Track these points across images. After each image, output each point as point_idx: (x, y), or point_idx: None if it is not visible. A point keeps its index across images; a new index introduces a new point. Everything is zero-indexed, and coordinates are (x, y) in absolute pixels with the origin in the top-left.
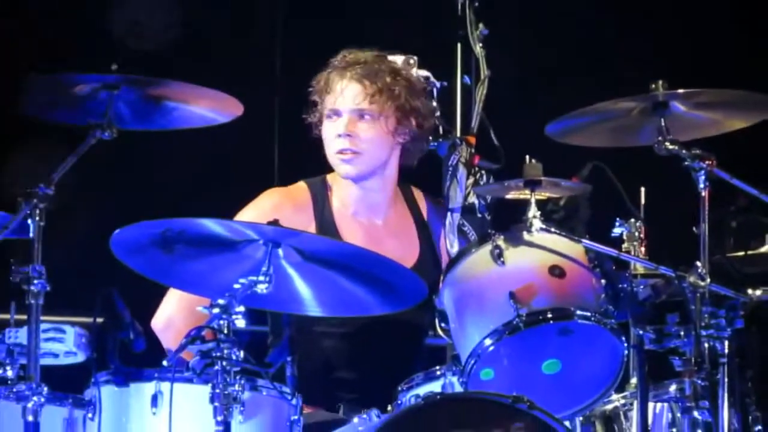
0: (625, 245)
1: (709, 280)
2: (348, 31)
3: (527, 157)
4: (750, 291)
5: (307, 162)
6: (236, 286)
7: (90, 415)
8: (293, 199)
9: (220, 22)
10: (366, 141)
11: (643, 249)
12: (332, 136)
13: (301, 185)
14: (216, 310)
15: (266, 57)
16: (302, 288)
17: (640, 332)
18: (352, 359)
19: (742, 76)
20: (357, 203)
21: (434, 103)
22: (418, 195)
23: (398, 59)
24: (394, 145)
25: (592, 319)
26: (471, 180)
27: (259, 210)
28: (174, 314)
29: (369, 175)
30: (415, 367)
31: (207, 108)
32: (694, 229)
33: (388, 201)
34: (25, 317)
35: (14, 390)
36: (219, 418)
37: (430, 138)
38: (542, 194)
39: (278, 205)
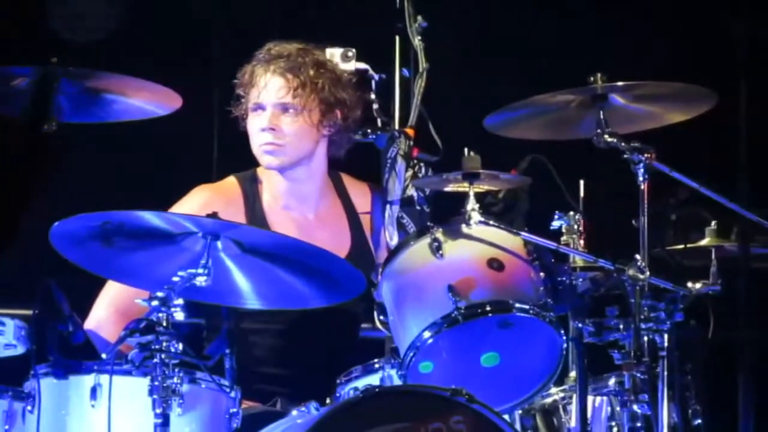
0: (564, 238)
1: (648, 273)
2: (285, 22)
3: (466, 149)
4: (690, 284)
5: (245, 153)
6: (175, 278)
7: (29, 407)
8: (223, 194)
9: (159, 14)
10: (290, 134)
11: (582, 242)
12: (256, 129)
13: (231, 180)
14: (155, 303)
15: (204, 49)
16: (241, 281)
17: (580, 325)
18: (286, 355)
19: (682, 68)
20: (287, 196)
21: (372, 96)
22: (350, 183)
23: (336, 51)
24: (319, 137)
25: (531, 312)
26: (410, 172)
27: (189, 207)
28: (103, 319)
29: (294, 165)
30: (350, 360)
31: (146, 100)
32: (633, 222)
33: (318, 192)
34: None
35: None
36: (158, 411)
37: (369, 130)
38: (481, 187)
39: (209, 202)
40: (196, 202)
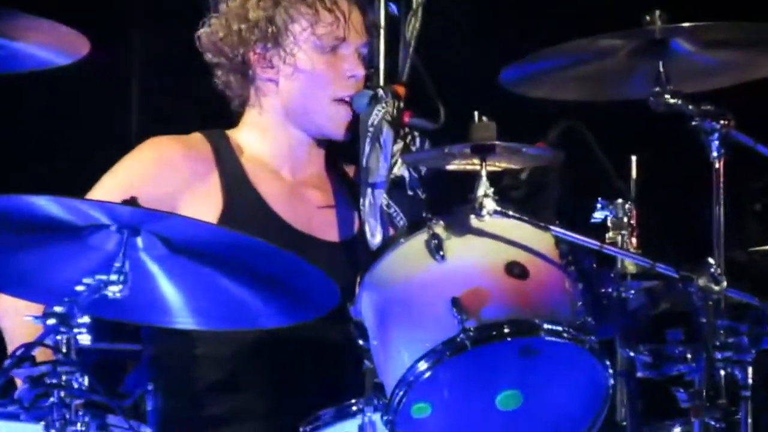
0: (609, 234)
1: (725, 283)
2: None
3: (476, 113)
4: None
5: (178, 115)
6: (79, 288)
7: None
8: (187, 144)
9: None
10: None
11: (634, 240)
12: (336, 76)
13: (195, 135)
14: (52, 321)
15: None
16: (168, 291)
17: (631, 354)
18: (238, 391)
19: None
20: (280, 155)
21: None
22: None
23: None
24: None
25: (565, 335)
26: (399, 145)
27: (140, 161)
28: None
29: None
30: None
31: (41, 44)
32: (704, 212)
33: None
34: None
35: None
36: None
37: None
38: (496, 164)
39: (167, 153)
40: (149, 156)
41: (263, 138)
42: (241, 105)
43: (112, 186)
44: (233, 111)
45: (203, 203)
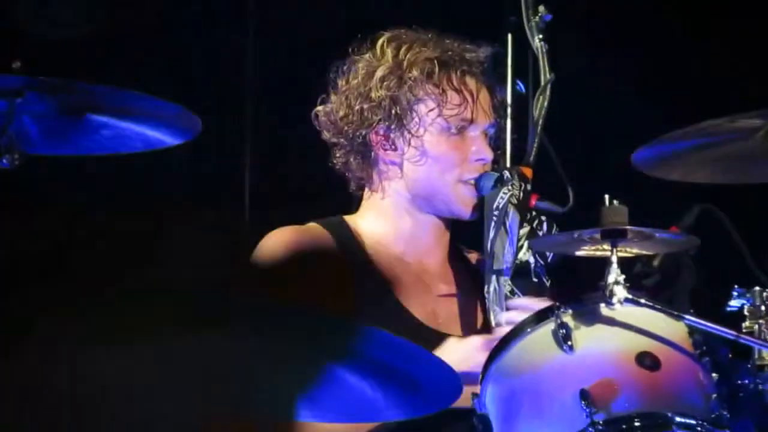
0: (746, 324)
1: None
2: (339, 15)
3: (606, 197)
4: None
5: (293, 193)
6: None
7: None
8: (309, 234)
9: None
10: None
11: None
12: (463, 159)
13: (312, 225)
14: None
15: (233, 48)
16: None
17: None
18: None
19: None
20: (404, 240)
21: None
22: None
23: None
24: None
25: (699, 429)
26: (526, 229)
27: (271, 258)
28: None
29: None
30: None
31: (150, 124)
32: None
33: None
34: None
35: None
36: None
37: None
38: (628, 250)
39: (293, 243)
40: (277, 247)
41: (386, 223)
42: (359, 188)
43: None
44: (352, 195)
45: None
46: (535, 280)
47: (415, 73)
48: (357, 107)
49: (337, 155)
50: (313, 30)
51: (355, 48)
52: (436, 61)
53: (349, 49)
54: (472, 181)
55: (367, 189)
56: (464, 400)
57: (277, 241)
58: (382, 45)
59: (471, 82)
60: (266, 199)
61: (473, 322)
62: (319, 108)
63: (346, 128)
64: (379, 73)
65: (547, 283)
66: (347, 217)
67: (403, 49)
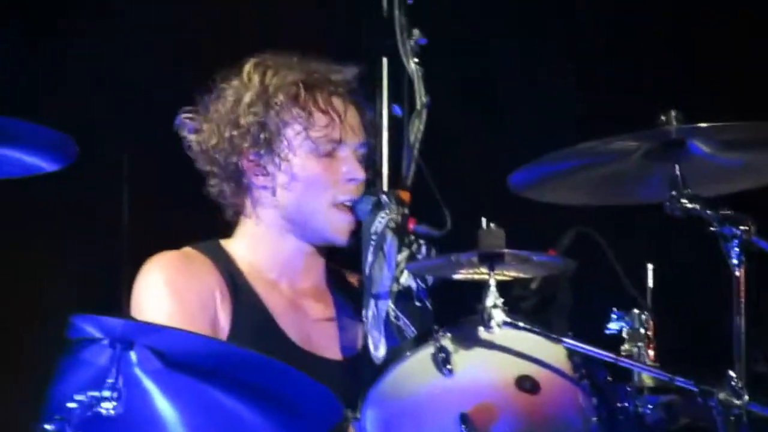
0: (625, 346)
1: (747, 397)
2: (235, 34)
3: (483, 220)
4: None
5: (173, 222)
6: (71, 405)
7: None
8: (189, 260)
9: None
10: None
11: (651, 352)
12: (334, 180)
13: (187, 249)
14: None
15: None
16: (164, 407)
17: None
18: None
19: None
20: (278, 265)
21: None
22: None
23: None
24: None
25: None
26: (405, 253)
27: (154, 288)
28: None
29: None
30: None
31: (28, 151)
32: (723, 323)
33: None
34: None
35: None
36: None
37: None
38: (505, 273)
39: (179, 275)
40: (157, 280)
41: (259, 248)
42: (235, 214)
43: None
44: (227, 221)
45: (221, 321)
46: (417, 304)
47: (281, 97)
48: (227, 135)
49: (212, 183)
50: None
51: (222, 75)
52: (301, 84)
53: (216, 78)
54: (347, 204)
55: (242, 215)
56: None
57: (159, 267)
58: (249, 71)
59: (337, 102)
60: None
61: (353, 345)
62: (191, 137)
63: (217, 156)
64: (246, 99)
65: (430, 307)
66: (223, 242)
67: (269, 73)
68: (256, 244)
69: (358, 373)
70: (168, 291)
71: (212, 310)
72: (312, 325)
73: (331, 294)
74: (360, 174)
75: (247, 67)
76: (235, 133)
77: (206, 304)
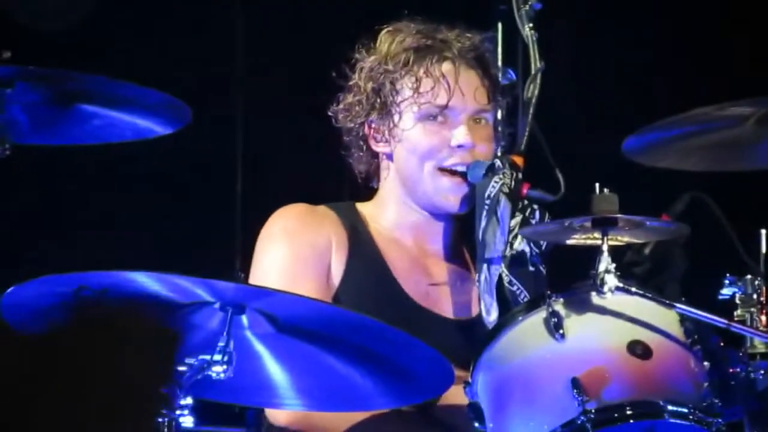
0: (738, 312)
1: None
2: (334, 10)
3: (597, 185)
4: None
5: (282, 183)
6: (181, 368)
7: None
8: (311, 210)
9: None
10: (481, 154)
11: (763, 318)
12: (441, 145)
13: (321, 207)
14: None
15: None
16: (275, 371)
17: None
18: None
19: None
20: (403, 227)
21: None
22: None
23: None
24: None
25: (690, 417)
26: (518, 218)
27: (272, 234)
28: None
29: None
30: None
31: (140, 115)
32: None
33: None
34: None
35: None
36: None
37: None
38: (619, 239)
39: (298, 222)
40: (276, 224)
41: (387, 210)
42: (367, 179)
43: (276, 269)
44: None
45: (334, 270)
46: (531, 269)
47: (394, 63)
48: (350, 100)
49: (350, 150)
50: (303, 20)
51: (362, 43)
52: (412, 51)
53: (356, 45)
54: (457, 169)
55: (372, 179)
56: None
57: (280, 215)
58: (380, 38)
59: (448, 67)
60: (258, 187)
61: (468, 309)
62: (334, 106)
63: (348, 123)
64: (367, 65)
65: (544, 271)
66: (357, 204)
67: (389, 40)
68: (383, 209)
69: (473, 335)
70: (284, 236)
71: (327, 259)
72: (432, 284)
73: (457, 258)
74: (468, 140)
75: (381, 34)
76: (357, 99)
77: (321, 252)
